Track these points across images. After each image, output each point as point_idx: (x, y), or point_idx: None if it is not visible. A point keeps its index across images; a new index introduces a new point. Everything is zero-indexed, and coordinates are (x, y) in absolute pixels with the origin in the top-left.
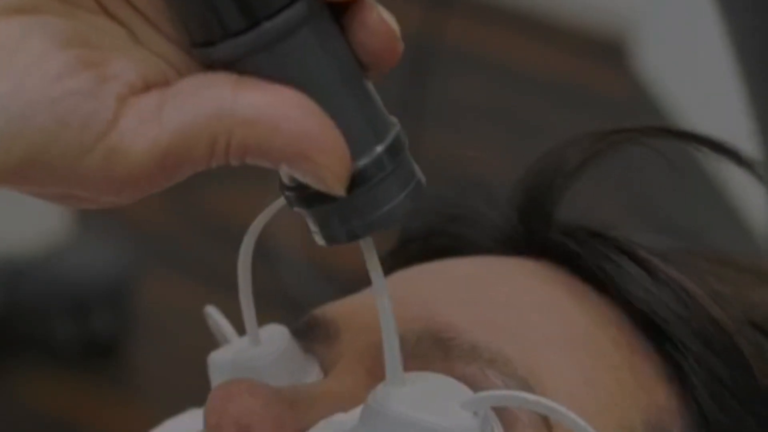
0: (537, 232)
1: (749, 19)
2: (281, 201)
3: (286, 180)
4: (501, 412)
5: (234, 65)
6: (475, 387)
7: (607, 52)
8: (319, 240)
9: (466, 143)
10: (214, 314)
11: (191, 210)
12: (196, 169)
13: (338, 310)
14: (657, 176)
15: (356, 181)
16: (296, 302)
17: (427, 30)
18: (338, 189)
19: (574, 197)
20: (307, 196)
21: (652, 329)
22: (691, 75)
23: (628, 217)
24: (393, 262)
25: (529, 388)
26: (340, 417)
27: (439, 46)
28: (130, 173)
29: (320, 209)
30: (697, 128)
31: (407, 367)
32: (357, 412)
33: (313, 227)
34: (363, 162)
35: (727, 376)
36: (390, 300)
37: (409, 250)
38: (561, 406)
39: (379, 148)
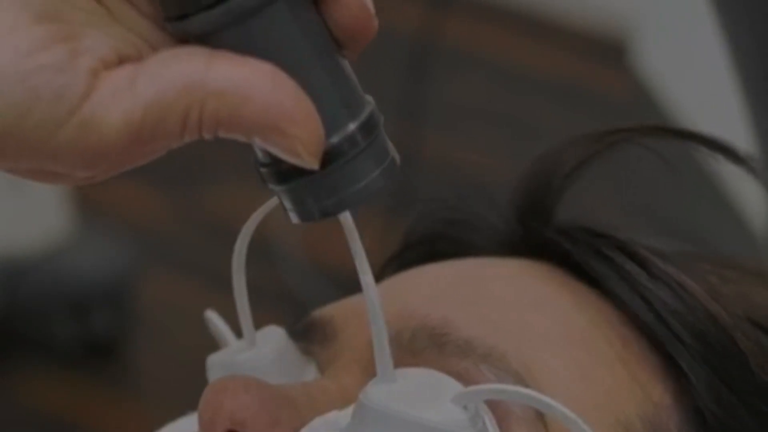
0: (535, 233)
1: (745, 21)
2: (269, 205)
3: (260, 156)
4: (494, 407)
5: (207, 39)
6: (469, 382)
7: (607, 52)
8: (294, 218)
9: (465, 143)
10: (213, 319)
11: (191, 210)
12: (170, 144)
13: (335, 310)
14: (655, 176)
15: (329, 157)
16: (296, 300)
17: (427, 30)
18: (311, 162)
19: (574, 199)
20: (280, 172)
21: (648, 326)
22: (692, 75)
23: (629, 217)
24: (395, 266)
25: (523, 383)
26: (335, 415)
27: (439, 46)
28: (103, 146)
29: (294, 186)
30: (698, 128)
31: (402, 363)
32: (352, 409)
33: (288, 205)
34: (336, 138)
35: (724, 370)
36: (376, 286)
37: (411, 255)
38: (551, 399)
39: (353, 125)
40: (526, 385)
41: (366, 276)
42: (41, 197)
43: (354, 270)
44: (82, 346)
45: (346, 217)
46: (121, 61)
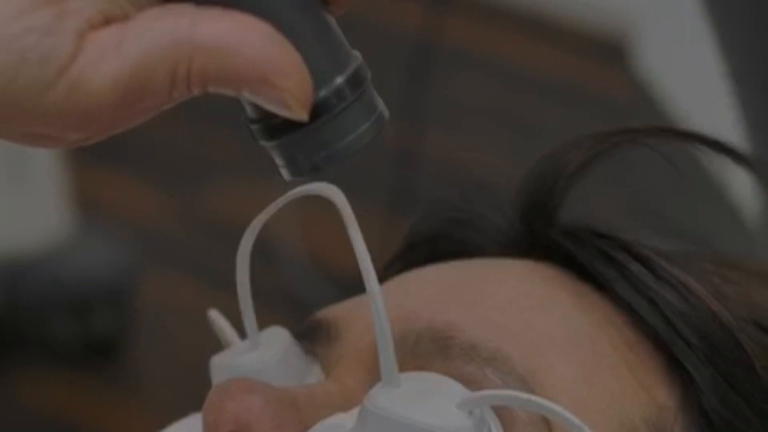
0: (539, 234)
1: (737, 22)
2: (275, 205)
3: (250, 112)
4: (500, 411)
5: None
6: (474, 386)
7: (607, 52)
8: (286, 174)
9: (465, 143)
10: (217, 319)
11: (191, 210)
12: (160, 104)
13: (339, 311)
14: (659, 177)
15: (317, 111)
16: (297, 301)
17: (427, 30)
18: (300, 113)
19: (579, 199)
20: (270, 128)
21: (653, 328)
22: (691, 75)
23: (632, 218)
24: (398, 266)
25: (527, 387)
26: (339, 417)
27: (439, 46)
28: (92, 106)
29: (284, 141)
30: (698, 128)
31: (407, 367)
32: (356, 412)
33: (279, 161)
34: (323, 92)
35: (730, 372)
36: (381, 289)
37: (414, 255)
38: (556, 404)
39: (339, 79)
40: (531, 389)
41: (371, 283)
42: (41, 197)
43: (356, 270)
44: (82, 346)
45: (352, 224)
46: (108, 21)
